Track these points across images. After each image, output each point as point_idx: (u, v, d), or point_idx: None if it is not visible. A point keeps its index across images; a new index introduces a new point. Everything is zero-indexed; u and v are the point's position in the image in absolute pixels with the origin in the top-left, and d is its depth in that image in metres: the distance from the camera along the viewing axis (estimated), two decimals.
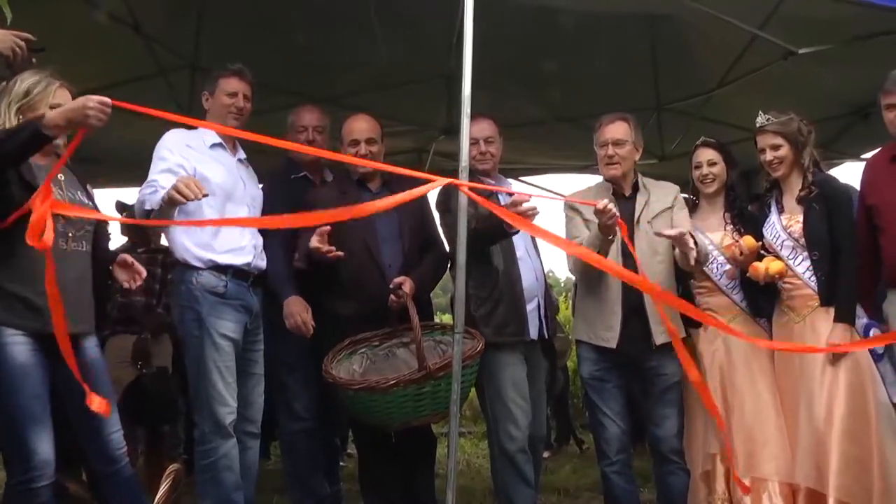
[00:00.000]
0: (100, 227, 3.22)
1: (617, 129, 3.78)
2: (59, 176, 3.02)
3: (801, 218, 3.61)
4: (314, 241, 3.48)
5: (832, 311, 3.50)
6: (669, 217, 3.78)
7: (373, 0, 4.44)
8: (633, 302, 3.67)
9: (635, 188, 3.86)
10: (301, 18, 4.65)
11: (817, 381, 3.47)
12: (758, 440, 3.60)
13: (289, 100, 5.19)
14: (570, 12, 4.43)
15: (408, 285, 3.60)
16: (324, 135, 4.15)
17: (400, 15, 4.65)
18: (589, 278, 3.78)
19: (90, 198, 3.17)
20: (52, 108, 2.94)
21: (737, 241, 3.67)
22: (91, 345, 3.10)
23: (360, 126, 3.86)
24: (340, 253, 3.49)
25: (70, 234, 3.01)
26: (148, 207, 3.25)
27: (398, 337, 3.65)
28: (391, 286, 3.60)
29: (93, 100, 2.67)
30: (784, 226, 3.65)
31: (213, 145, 3.58)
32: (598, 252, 3.54)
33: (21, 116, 2.94)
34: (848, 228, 3.55)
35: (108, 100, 2.72)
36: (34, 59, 3.04)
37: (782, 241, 3.64)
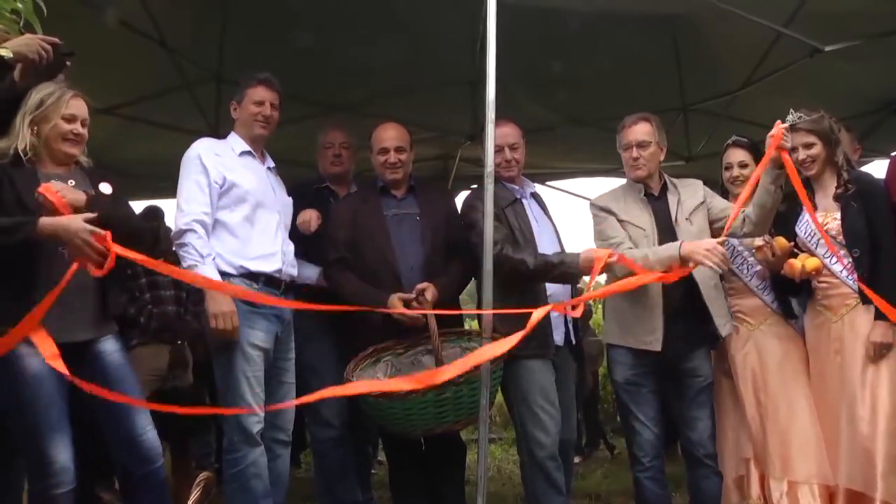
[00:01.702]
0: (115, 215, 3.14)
1: (640, 131, 3.74)
2: (69, 181, 3.03)
3: (837, 215, 3.55)
4: (400, 308, 3.56)
5: (872, 309, 3.44)
6: (705, 210, 3.74)
7: (397, 8, 4.46)
8: (675, 302, 3.62)
9: (664, 188, 3.82)
10: (324, 28, 4.67)
11: (859, 381, 3.41)
12: (793, 443, 3.55)
13: (314, 109, 5.25)
14: (593, 15, 4.42)
15: (430, 292, 3.59)
16: (350, 150, 4.27)
17: (423, 22, 4.66)
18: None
19: (100, 200, 3.07)
20: (63, 118, 3.01)
21: (767, 242, 3.63)
22: (109, 348, 3.10)
23: (390, 134, 3.89)
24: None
25: None
26: (186, 265, 3.33)
27: (423, 344, 3.61)
28: (414, 292, 3.61)
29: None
30: (820, 223, 3.58)
31: (242, 153, 3.60)
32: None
33: (35, 128, 2.99)
34: (887, 224, 3.50)
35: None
36: (68, 63, 3.07)
37: (818, 240, 3.58)
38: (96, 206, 2.98)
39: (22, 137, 2.97)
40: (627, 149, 3.76)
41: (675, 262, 3.43)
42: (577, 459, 5.54)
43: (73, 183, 3.05)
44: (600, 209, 3.82)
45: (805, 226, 3.63)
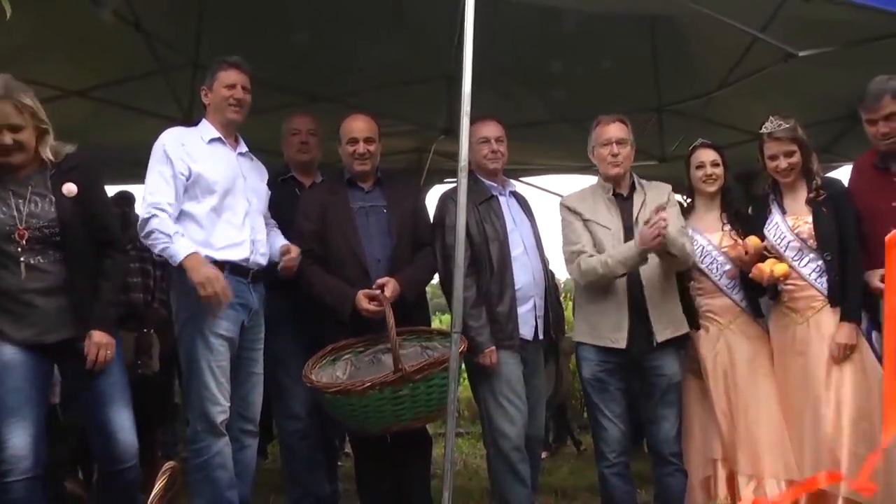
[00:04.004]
0: (95, 223, 3.14)
1: (619, 129, 3.80)
2: (28, 185, 2.98)
3: (809, 219, 3.61)
4: (364, 304, 3.57)
5: (838, 311, 3.51)
6: None
7: (377, 0, 4.44)
8: (635, 300, 3.68)
9: (632, 188, 3.87)
10: (303, 17, 4.64)
11: (823, 382, 3.47)
12: (762, 440, 3.59)
13: (290, 98, 5.20)
14: (571, 13, 4.43)
15: (390, 286, 3.61)
16: (317, 137, 4.23)
17: (401, 14, 4.64)
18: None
19: (62, 204, 3.02)
20: None
21: (738, 242, 3.67)
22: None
23: (359, 125, 3.89)
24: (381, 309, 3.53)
25: (24, 247, 2.94)
26: (159, 250, 3.35)
27: (383, 342, 3.59)
28: (374, 286, 3.61)
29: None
30: (791, 227, 3.64)
31: (212, 140, 3.57)
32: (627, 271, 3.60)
33: None
34: (855, 228, 3.56)
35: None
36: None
37: (788, 243, 3.63)
38: (61, 212, 2.98)
39: None
40: (606, 144, 3.79)
41: (640, 258, 3.54)
42: (543, 455, 5.56)
43: (32, 187, 2.99)
44: (567, 210, 3.87)
45: (774, 229, 3.68)
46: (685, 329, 3.77)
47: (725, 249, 3.75)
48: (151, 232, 3.32)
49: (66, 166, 3.06)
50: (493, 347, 3.67)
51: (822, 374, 3.48)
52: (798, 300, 3.61)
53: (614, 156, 3.77)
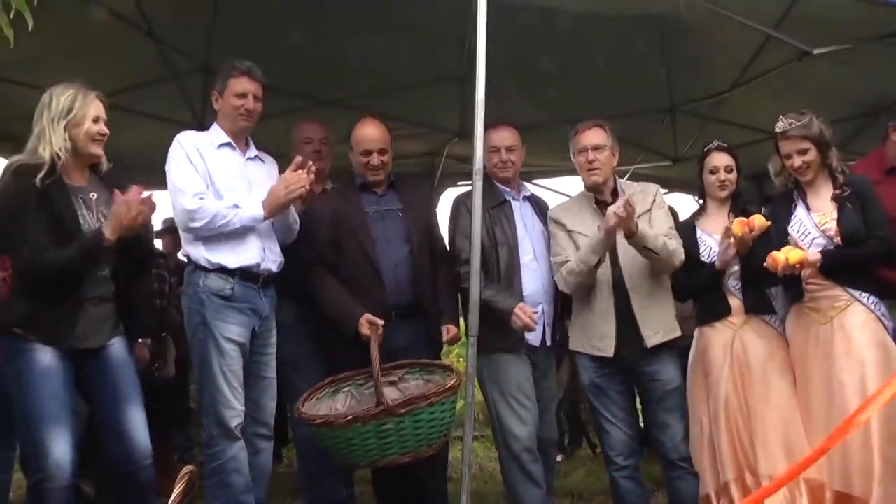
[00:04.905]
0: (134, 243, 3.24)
1: (595, 135, 3.78)
2: (90, 195, 3.11)
3: (836, 216, 3.54)
4: (365, 329, 3.54)
5: (862, 310, 3.46)
6: (647, 219, 3.74)
7: (386, 3, 4.43)
8: (622, 306, 3.66)
9: (615, 194, 3.81)
10: (314, 22, 4.64)
11: (849, 385, 3.39)
12: (780, 441, 3.53)
13: (302, 103, 5.21)
14: (582, 14, 4.41)
15: (452, 333, 3.73)
16: (329, 146, 4.20)
17: (411, 18, 4.64)
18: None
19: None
20: (91, 119, 3.05)
21: (741, 220, 3.61)
22: (113, 350, 3.14)
23: (373, 136, 3.84)
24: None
25: (101, 258, 3.08)
26: (233, 226, 3.41)
27: (385, 376, 3.48)
28: (437, 335, 3.71)
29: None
30: (817, 223, 3.58)
31: (221, 145, 3.58)
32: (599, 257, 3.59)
33: (69, 132, 3.01)
34: (883, 219, 3.52)
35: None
36: None
37: (812, 239, 3.56)
38: None
39: (55, 141, 2.99)
40: (582, 152, 3.78)
41: (607, 241, 3.56)
42: (559, 457, 5.54)
43: (95, 197, 3.13)
44: (552, 221, 3.87)
45: (798, 225, 3.62)
46: (679, 332, 3.73)
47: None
48: (215, 214, 3.37)
49: (112, 181, 3.20)
50: (521, 303, 3.63)
51: (848, 376, 3.39)
52: (821, 300, 3.54)
53: (590, 162, 3.75)
